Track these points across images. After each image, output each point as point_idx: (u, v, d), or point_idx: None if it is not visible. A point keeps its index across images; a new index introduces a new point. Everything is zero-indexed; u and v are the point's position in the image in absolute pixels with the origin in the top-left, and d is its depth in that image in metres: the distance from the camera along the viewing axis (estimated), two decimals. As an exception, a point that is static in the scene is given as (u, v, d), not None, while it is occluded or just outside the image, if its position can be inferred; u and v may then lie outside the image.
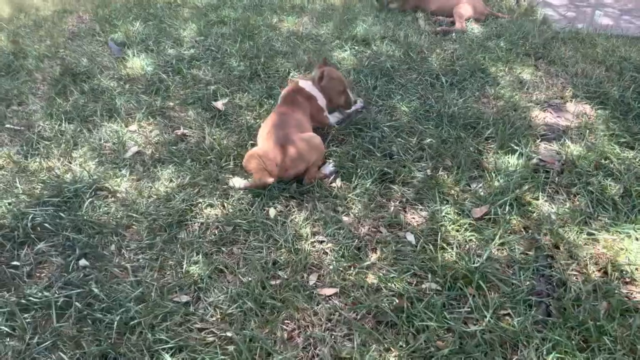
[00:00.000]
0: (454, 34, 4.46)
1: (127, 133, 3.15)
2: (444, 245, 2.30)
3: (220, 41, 4.27)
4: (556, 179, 2.72)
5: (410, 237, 2.37)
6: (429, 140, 3.02)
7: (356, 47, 4.20)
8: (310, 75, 3.23)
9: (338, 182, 2.74)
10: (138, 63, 3.91)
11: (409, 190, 2.68)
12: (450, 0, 4.80)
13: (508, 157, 2.86)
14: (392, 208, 2.56)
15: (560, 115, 3.32)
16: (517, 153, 2.88)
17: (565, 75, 3.78)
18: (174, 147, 3.02)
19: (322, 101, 3.06)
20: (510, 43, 4.21)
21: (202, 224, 2.48)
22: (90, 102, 3.46)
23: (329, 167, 2.82)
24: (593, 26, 4.51)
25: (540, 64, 3.95)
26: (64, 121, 3.22)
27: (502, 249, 2.30)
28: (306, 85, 3.05)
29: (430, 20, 4.82)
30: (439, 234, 2.35)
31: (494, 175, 2.72)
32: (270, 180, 2.60)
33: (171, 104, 3.47)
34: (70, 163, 2.89)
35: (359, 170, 2.77)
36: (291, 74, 3.73)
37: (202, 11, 4.94)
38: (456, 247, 2.30)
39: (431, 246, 2.29)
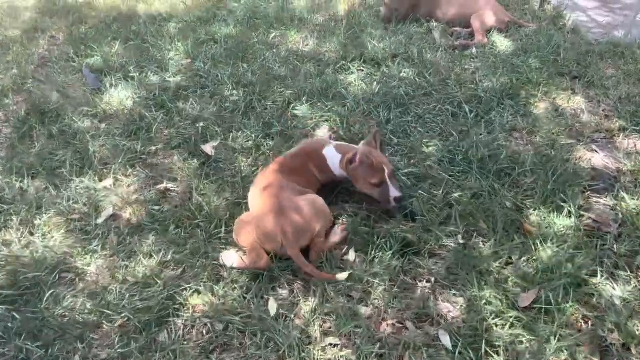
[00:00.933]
0: (474, 49, 3.98)
1: (101, 190, 2.72)
2: (488, 349, 1.87)
3: (210, 65, 3.81)
4: (614, 246, 2.28)
5: (445, 339, 1.94)
6: (457, 194, 2.58)
7: (364, 69, 3.73)
8: (342, 145, 2.66)
9: (352, 255, 2.30)
10: (116, 97, 3.46)
11: (438, 265, 2.25)
12: (468, 8, 4.31)
13: (554, 217, 2.42)
14: (420, 291, 2.13)
15: (609, 155, 2.87)
16: (565, 211, 2.43)
17: (607, 101, 3.32)
18: (156, 208, 2.59)
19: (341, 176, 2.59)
20: (540, 60, 3.73)
21: (186, 320, 2.05)
22: (59, 149, 3.03)
23: (338, 233, 2.39)
24: (633, 36, 4.02)
25: (576, 85, 3.48)
26: (26, 177, 2.78)
27: (560, 354, 1.87)
28: (330, 155, 2.58)
29: (446, 31, 4.33)
30: (481, 333, 1.92)
31: (539, 242, 2.28)
32: (265, 264, 2.17)
33: (153, 148, 3.03)
34: (32, 235, 2.47)
35: (375, 237, 2.34)
36: (318, 130, 3.18)
37: (191, 26, 4.47)
38: (504, 351, 1.87)
39: (472, 352, 1.86)
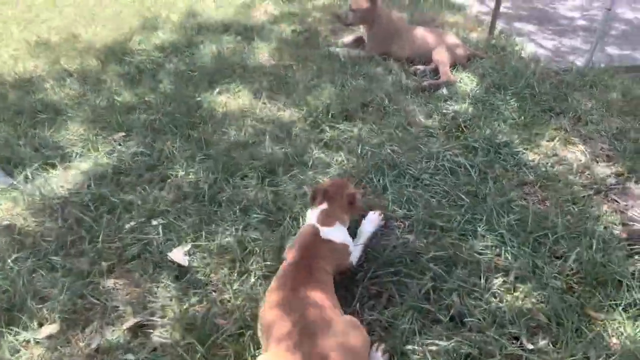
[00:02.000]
0: (444, 89, 3.72)
1: (43, 342, 2.02)
2: None
3: (150, 137, 3.17)
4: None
5: None
6: (499, 278, 2.22)
7: (335, 124, 3.30)
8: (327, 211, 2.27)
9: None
10: (37, 195, 2.72)
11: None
12: (426, 43, 4.07)
13: (614, 294, 2.14)
14: None
15: (631, 205, 2.67)
16: (624, 285, 2.16)
17: (602, 138, 3.18)
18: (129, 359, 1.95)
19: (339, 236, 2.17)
20: (518, 97, 3.55)
21: None
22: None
23: (379, 358, 1.91)
24: (595, 61, 3.99)
25: (564, 122, 3.31)
26: None
27: None
28: (333, 233, 2.19)
29: (407, 68, 4.04)
30: None
31: (610, 331, 1.98)
32: None
33: (104, 264, 2.35)
34: None
35: (427, 355, 1.90)
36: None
37: (111, 89, 3.76)
38: None
39: None
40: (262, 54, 4.22)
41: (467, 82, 3.83)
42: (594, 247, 2.34)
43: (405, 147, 3.10)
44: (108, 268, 2.34)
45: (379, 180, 2.83)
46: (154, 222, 2.57)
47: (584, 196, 2.71)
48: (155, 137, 3.18)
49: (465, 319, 2.07)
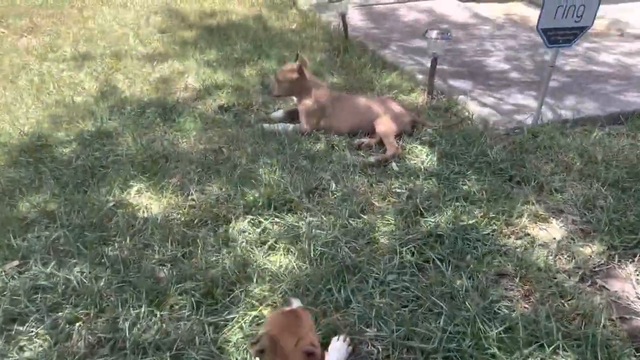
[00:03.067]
0: (394, 164, 3.42)
1: None
2: None
3: (54, 265, 2.59)
4: None
5: None
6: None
7: (278, 218, 2.88)
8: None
9: None
10: None
11: None
12: (366, 114, 3.79)
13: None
14: None
15: (621, 290, 2.42)
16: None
17: (570, 209, 2.97)
18: None
19: None
20: (472, 167, 3.30)
21: None
22: None
23: None
24: (544, 119, 3.86)
25: (526, 192, 3.08)
26: None
27: None
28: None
29: (351, 141, 3.73)
30: None
31: None
32: None
33: None
34: None
35: None
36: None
37: (2, 200, 3.15)
38: None
39: None
40: (186, 138, 3.77)
41: (416, 153, 3.57)
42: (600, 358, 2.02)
43: (363, 242, 2.73)
44: None
45: (339, 291, 2.41)
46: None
47: (568, 286, 2.42)
48: (60, 263, 2.61)
49: None
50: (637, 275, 2.53)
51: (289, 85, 3.85)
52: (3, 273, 2.56)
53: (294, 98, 4.02)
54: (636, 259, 2.60)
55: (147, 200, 3.09)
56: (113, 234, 2.81)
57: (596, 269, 2.56)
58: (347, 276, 2.50)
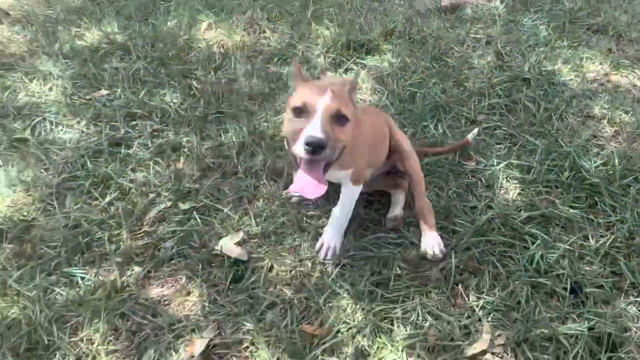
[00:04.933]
0: (468, 8, 3.29)
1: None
2: None
3: (144, 94, 2.55)
4: None
5: None
6: (610, 236, 1.99)
7: (364, 61, 2.82)
8: None
9: None
10: (18, 186, 2.11)
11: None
12: None
13: None
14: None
15: None
16: None
17: (650, 58, 2.95)
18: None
19: None
20: (548, 14, 3.20)
21: None
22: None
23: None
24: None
25: (604, 42, 3.04)
26: None
27: None
28: None
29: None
30: None
31: None
32: None
33: (133, 272, 1.88)
34: None
35: (564, 341, 1.67)
36: None
37: (69, 30, 2.99)
38: None
39: None
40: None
41: (487, -2, 3.42)
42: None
43: (450, 83, 2.72)
44: (145, 274, 1.87)
45: (435, 127, 2.46)
46: (184, 206, 2.08)
47: (655, 128, 2.50)
48: (149, 92, 2.57)
49: (586, 289, 1.84)
50: None
51: None
52: (95, 100, 2.52)
53: None
54: None
55: (219, 37, 2.97)
56: (194, 68, 2.75)
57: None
58: (442, 114, 2.53)
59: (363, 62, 2.83)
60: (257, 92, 2.61)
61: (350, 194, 1.85)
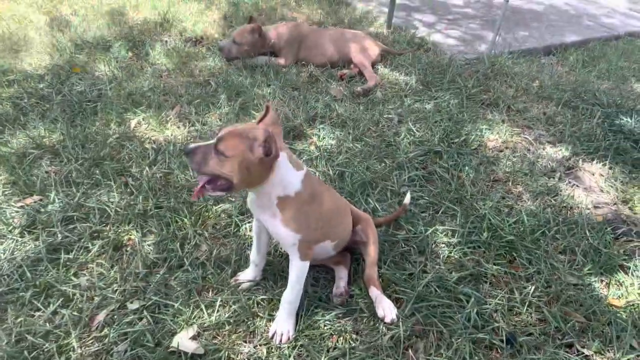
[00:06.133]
0: (378, 92, 3.66)
1: None
2: None
3: (79, 196, 2.54)
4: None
5: None
6: (530, 287, 2.23)
7: (293, 147, 3.03)
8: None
9: None
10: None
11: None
12: (344, 46, 3.95)
13: (623, 279, 2.30)
14: None
15: (589, 187, 2.92)
16: (630, 269, 2.34)
17: (536, 123, 3.42)
18: None
19: None
20: (448, 92, 3.64)
21: None
22: None
23: None
24: (497, 49, 4.28)
25: (495, 112, 3.49)
26: None
27: None
28: None
29: (334, 73, 3.89)
30: None
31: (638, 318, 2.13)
32: None
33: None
34: None
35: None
36: None
37: (-11, 135, 2.95)
38: None
39: None
40: (168, 72, 3.69)
41: (394, 81, 3.82)
42: (588, 236, 2.49)
43: (372, 161, 2.98)
44: (98, 384, 1.82)
45: (366, 201, 2.66)
46: (133, 306, 2.07)
47: (551, 185, 2.88)
48: (84, 194, 2.57)
49: (520, 338, 2.04)
50: (600, 173, 3.05)
51: (248, 46, 3.79)
52: (26, 207, 2.48)
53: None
54: (594, 162, 3.12)
55: (150, 132, 3.06)
56: (128, 165, 2.79)
57: (568, 173, 3.04)
58: (369, 190, 2.75)
59: (292, 147, 3.02)
60: (195, 183, 2.69)
61: (297, 272, 1.94)
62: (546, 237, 2.51)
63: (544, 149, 3.20)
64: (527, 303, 2.17)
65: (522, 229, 2.52)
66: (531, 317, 2.13)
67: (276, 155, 1.72)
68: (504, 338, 2.03)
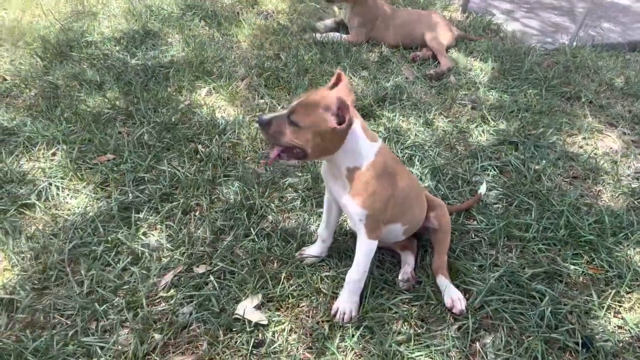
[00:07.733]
0: (452, 77, 3.53)
1: None
2: None
3: (150, 158, 2.58)
4: None
5: None
6: (610, 291, 2.10)
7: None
8: None
9: None
10: (26, 251, 2.07)
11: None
12: (415, 28, 3.82)
13: None
14: None
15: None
16: None
17: (620, 121, 3.22)
18: None
19: None
20: (526, 82, 3.47)
21: None
22: None
23: None
24: (581, 40, 4.05)
25: (576, 106, 3.30)
26: None
27: None
28: None
29: (405, 55, 3.79)
30: None
31: None
32: None
33: (153, 339, 1.85)
34: None
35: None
36: None
37: (71, 95, 3.03)
38: None
39: None
40: (239, 43, 3.69)
41: (469, 67, 3.68)
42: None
43: (442, 147, 2.88)
44: (164, 341, 1.84)
45: (436, 188, 2.58)
46: (199, 270, 2.08)
47: (636, 187, 2.70)
48: (156, 157, 2.60)
49: (596, 343, 1.93)
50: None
51: None
52: (101, 165, 2.53)
53: (343, 8, 3.97)
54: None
55: (220, 102, 3.07)
56: (198, 132, 2.81)
57: (653, 175, 2.85)
58: (440, 176, 2.65)
59: (360, 126, 2.95)
60: (262, 155, 2.68)
61: (364, 249, 1.88)
62: (629, 240, 2.35)
63: (627, 148, 3.01)
64: (605, 307, 2.05)
65: (602, 229, 2.37)
66: (609, 323, 2.00)
67: (350, 124, 1.67)
68: (580, 341, 1.92)
